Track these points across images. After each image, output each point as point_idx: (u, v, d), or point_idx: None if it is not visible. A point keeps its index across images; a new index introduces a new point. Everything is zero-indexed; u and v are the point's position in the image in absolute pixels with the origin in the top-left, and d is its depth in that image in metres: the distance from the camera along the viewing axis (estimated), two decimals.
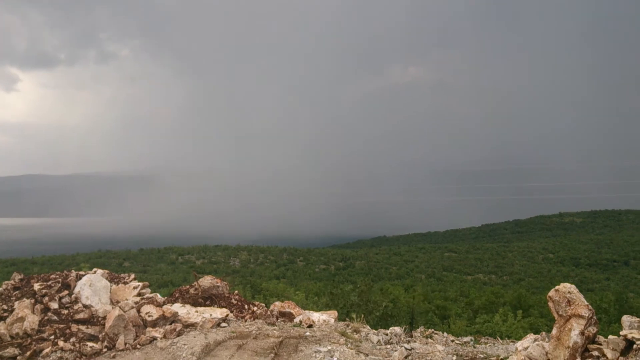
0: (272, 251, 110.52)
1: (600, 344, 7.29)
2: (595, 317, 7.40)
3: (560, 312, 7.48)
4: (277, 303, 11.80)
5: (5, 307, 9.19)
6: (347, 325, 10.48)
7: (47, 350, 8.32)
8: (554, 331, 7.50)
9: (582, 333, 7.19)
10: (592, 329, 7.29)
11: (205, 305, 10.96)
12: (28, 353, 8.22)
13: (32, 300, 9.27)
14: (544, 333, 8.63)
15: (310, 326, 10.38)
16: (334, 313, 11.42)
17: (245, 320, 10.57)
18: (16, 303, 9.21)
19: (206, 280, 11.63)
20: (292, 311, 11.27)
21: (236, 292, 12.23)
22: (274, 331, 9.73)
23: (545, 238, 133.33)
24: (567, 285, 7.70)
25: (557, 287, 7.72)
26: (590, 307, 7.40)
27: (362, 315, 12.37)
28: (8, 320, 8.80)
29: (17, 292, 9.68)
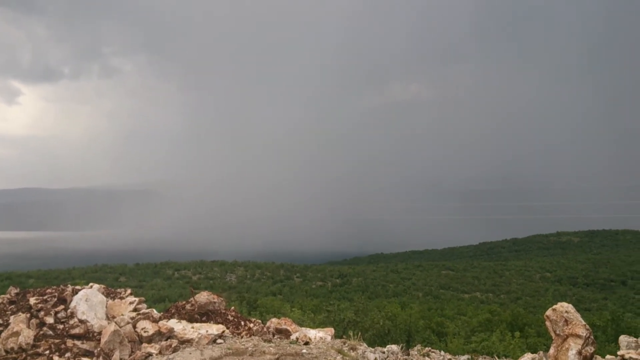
0: (268, 267, 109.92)
1: None
2: (592, 337, 7.39)
3: (557, 332, 7.47)
4: (274, 320, 11.69)
5: (0, 321, 9.14)
6: (344, 343, 10.40)
7: None
8: (552, 350, 7.49)
9: (579, 352, 7.19)
10: (590, 349, 7.29)
11: (201, 321, 10.88)
12: None
13: (28, 315, 9.21)
14: (541, 352, 8.60)
15: (307, 343, 10.31)
16: (330, 330, 11.32)
17: (242, 337, 10.49)
18: (12, 317, 9.15)
19: (203, 296, 11.55)
20: (288, 328, 11.18)
21: (232, 308, 12.14)
22: (271, 348, 9.66)
23: (542, 257, 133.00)
24: (565, 304, 7.70)
25: (554, 307, 7.72)
26: (587, 326, 7.39)
27: (359, 333, 12.29)
28: (3, 334, 8.74)
29: (12, 306, 9.62)
